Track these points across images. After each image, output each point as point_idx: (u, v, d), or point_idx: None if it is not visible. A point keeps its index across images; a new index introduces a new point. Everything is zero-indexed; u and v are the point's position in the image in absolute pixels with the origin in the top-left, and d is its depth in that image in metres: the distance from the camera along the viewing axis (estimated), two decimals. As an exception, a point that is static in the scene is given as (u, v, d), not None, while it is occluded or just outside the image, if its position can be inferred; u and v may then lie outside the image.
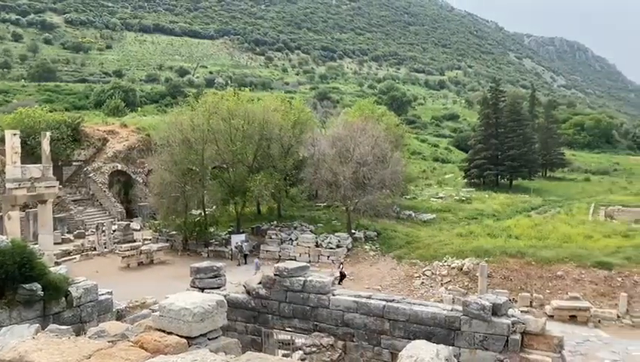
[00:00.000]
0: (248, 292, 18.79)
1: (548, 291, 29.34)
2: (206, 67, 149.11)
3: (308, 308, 17.43)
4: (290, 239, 39.29)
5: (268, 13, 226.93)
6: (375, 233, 39.55)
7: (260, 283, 18.73)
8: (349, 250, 37.76)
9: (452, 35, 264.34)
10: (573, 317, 26.89)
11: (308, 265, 19.95)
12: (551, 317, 26.57)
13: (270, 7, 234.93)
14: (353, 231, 39.47)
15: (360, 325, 16.52)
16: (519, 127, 67.51)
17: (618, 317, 27.07)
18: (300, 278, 17.74)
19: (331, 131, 43.78)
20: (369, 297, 17.12)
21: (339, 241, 37.96)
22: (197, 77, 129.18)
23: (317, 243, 38.17)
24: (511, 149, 64.13)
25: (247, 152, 41.31)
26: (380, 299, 16.84)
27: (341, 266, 32.00)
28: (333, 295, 17.37)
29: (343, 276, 31.53)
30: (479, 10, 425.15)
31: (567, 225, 39.73)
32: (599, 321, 26.81)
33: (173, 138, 40.60)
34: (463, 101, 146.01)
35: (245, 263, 36.95)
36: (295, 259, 34.97)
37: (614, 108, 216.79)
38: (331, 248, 37.50)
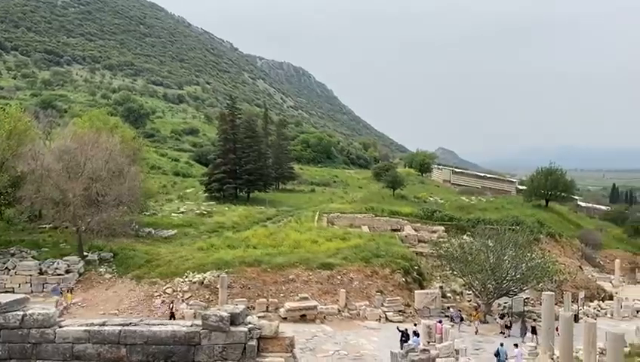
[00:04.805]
0: (-54, 338, 15.52)
1: (282, 294, 31.85)
2: None
3: (29, 345, 15.29)
4: (7, 268, 34.20)
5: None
6: (111, 254, 37.15)
7: (-38, 325, 15.66)
8: (80, 274, 34.76)
9: (189, 50, 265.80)
10: (303, 316, 29.76)
11: (27, 296, 17.61)
12: (285, 319, 28.88)
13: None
14: (85, 253, 36.46)
15: (93, 356, 15.21)
16: (255, 143, 71.68)
17: (339, 311, 31.02)
18: (18, 313, 15.46)
19: (57, 144, 39.60)
20: (103, 324, 15.91)
21: (68, 266, 34.64)
22: None
23: (41, 270, 34.08)
24: (248, 164, 67.57)
25: (-57, 168, 34.41)
26: (116, 325, 15.81)
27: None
28: (60, 327, 15.61)
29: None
30: (215, 29, 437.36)
31: (297, 232, 43.76)
32: (325, 317, 30.28)
33: None
34: (203, 116, 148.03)
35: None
36: (13, 291, 31.02)
37: (332, 128, 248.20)
38: (59, 274, 33.93)
